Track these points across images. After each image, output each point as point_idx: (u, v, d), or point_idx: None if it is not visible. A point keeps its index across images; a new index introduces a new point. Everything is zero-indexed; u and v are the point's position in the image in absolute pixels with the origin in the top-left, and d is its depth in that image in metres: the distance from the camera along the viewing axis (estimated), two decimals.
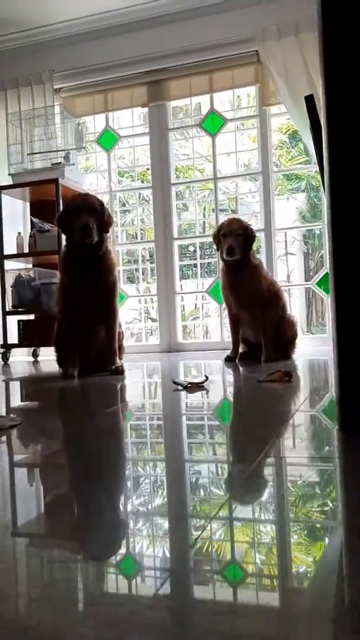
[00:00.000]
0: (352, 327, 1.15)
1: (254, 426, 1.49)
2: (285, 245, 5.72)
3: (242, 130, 5.05)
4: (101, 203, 3.01)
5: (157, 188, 5.07)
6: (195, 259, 5.31)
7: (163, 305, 5.06)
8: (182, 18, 4.73)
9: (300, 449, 1.19)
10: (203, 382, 2.19)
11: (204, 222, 5.64)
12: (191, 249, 5.96)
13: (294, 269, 7.12)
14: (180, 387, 2.17)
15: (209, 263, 5.37)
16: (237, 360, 3.54)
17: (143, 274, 5.66)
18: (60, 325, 3.07)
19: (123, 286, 5.45)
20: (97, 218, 2.91)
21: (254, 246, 3.52)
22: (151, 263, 5.31)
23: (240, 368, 3.34)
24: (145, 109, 5.08)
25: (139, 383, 2.80)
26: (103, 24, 4.89)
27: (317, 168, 3.60)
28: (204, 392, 2.13)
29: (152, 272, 5.43)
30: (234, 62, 4.75)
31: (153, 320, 5.39)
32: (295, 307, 6.61)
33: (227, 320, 4.19)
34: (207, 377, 2.26)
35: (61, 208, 4.37)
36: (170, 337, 5.02)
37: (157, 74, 4.91)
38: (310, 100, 2.22)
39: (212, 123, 4.92)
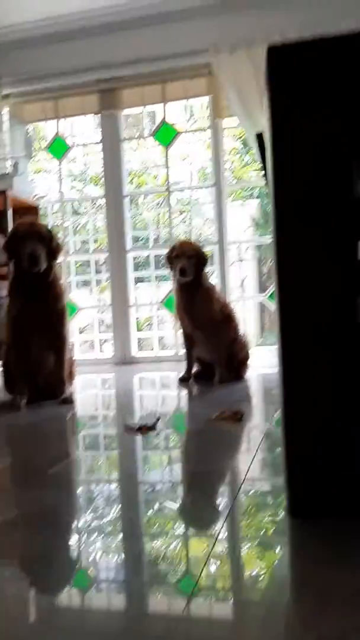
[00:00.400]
0: (301, 413, 1.15)
1: (199, 510, 1.46)
2: (239, 252, 5.75)
3: (195, 140, 5.02)
4: (48, 230, 2.94)
5: (109, 198, 4.99)
6: (149, 269, 5.25)
7: (117, 317, 5.00)
8: (135, 26, 4.65)
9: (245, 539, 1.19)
10: (155, 424, 2.16)
11: (158, 233, 5.59)
12: (145, 254, 5.90)
13: (247, 275, 7.19)
14: (132, 431, 2.14)
15: (163, 276, 5.33)
16: (191, 380, 3.53)
17: (97, 282, 5.59)
18: (8, 351, 2.99)
19: (76, 291, 5.35)
20: (45, 245, 2.84)
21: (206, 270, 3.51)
22: (106, 272, 5.23)
23: (194, 389, 3.35)
24: (98, 116, 4.99)
25: (87, 417, 2.76)
26: (54, 29, 4.74)
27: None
28: (155, 433, 2.11)
29: (106, 279, 5.34)
30: (187, 73, 4.71)
31: (107, 328, 5.31)
32: (249, 316, 6.67)
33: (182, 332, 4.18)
34: (158, 418, 2.23)
35: (10, 219, 4.28)
36: (124, 349, 4.97)
37: (109, 82, 4.82)
38: (261, 138, 2.21)
39: (166, 134, 4.87)
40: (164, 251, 5.12)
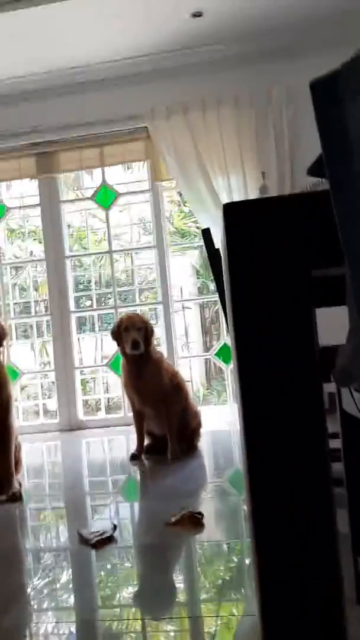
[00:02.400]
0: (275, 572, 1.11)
1: None
2: (181, 298, 5.79)
3: (136, 199, 5.03)
4: None
5: (50, 260, 4.89)
6: (94, 329, 5.18)
7: (61, 381, 4.87)
8: (72, 91, 4.64)
9: None
10: (111, 536, 2.07)
11: (100, 293, 5.53)
12: (87, 303, 5.81)
13: (190, 322, 7.23)
14: (88, 542, 2.04)
15: (106, 336, 5.27)
16: (143, 457, 3.45)
17: (41, 345, 5.44)
18: None
19: (17, 355, 5.19)
20: None
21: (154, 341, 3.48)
22: (48, 333, 5.09)
23: (146, 469, 3.27)
24: (35, 181, 4.92)
25: (40, 520, 2.63)
26: None
27: None
28: (111, 543, 2.03)
29: (49, 344, 5.19)
30: (124, 137, 4.73)
31: (52, 386, 5.15)
32: (195, 366, 6.67)
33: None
34: (115, 527, 2.14)
35: None
36: (69, 414, 4.83)
37: (46, 145, 4.77)
38: (206, 233, 2.22)
39: (105, 196, 4.86)
40: (108, 309, 5.14)
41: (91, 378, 6.21)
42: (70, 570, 1.94)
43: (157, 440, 3.53)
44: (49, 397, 5.15)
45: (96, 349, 5.16)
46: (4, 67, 4.34)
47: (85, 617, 1.58)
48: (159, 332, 4.67)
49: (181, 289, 6.96)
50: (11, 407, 2.85)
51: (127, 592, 1.75)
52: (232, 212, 1.19)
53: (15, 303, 5.44)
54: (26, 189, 5.13)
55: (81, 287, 5.70)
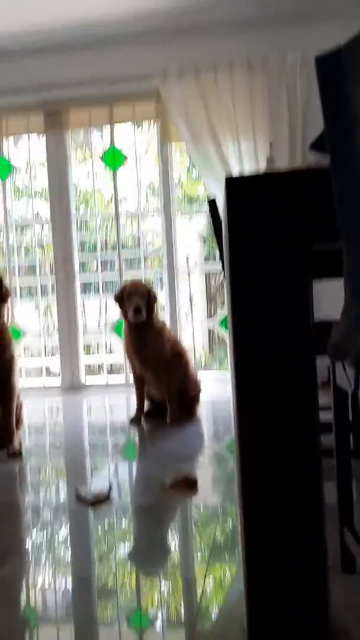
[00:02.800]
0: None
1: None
2: (187, 266, 5.77)
3: (144, 161, 4.97)
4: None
5: (56, 222, 4.87)
6: (98, 292, 5.18)
7: (65, 342, 4.91)
8: (83, 47, 4.54)
9: None
10: (108, 496, 2.13)
11: (106, 257, 5.52)
12: (93, 267, 5.81)
13: (195, 290, 7.21)
14: (85, 501, 2.10)
15: (111, 301, 5.26)
16: (142, 421, 3.50)
17: (45, 306, 5.46)
18: None
19: (21, 306, 5.21)
20: None
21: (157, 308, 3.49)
22: (53, 294, 5.11)
23: (145, 432, 3.33)
24: (43, 137, 4.85)
25: (39, 476, 2.70)
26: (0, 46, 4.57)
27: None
28: (108, 502, 2.08)
29: (54, 305, 5.22)
30: (134, 97, 4.64)
31: (53, 355, 5.20)
32: (197, 333, 6.69)
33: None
34: (111, 486, 2.20)
35: None
36: (72, 375, 4.89)
37: (55, 103, 4.69)
38: (212, 204, 2.20)
39: (113, 158, 4.80)
40: (113, 274, 5.13)
41: (95, 342, 6.25)
42: (67, 526, 2.00)
43: (157, 405, 3.58)
44: (52, 355, 5.19)
45: (100, 313, 5.17)
46: (14, 21, 4.23)
47: (80, 572, 1.64)
48: (163, 298, 4.68)
49: (187, 257, 6.93)
50: (14, 367, 2.88)
51: (122, 550, 1.81)
52: (233, 186, 1.18)
53: (20, 265, 5.44)
54: (33, 147, 5.06)
55: (87, 250, 5.67)
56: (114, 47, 4.51)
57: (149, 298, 3.34)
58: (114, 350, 5.50)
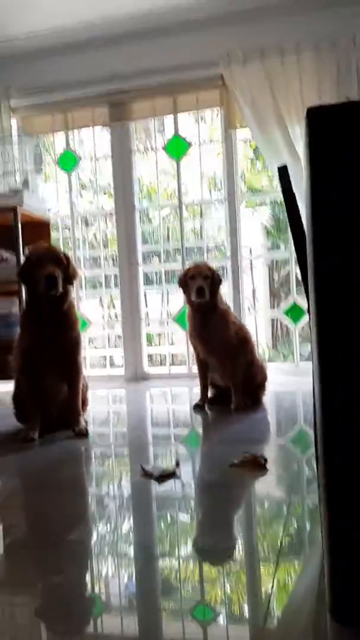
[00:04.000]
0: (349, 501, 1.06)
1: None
2: (250, 261, 5.66)
3: (208, 152, 4.91)
4: (65, 254, 2.85)
5: (120, 212, 4.90)
6: (160, 284, 5.18)
7: (128, 332, 4.93)
8: (146, 38, 4.56)
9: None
10: (174, 472, 2.08)
11: (169, 247, 5.50)
12: (155, 260, 5.82)
13: (259, 284, 7.09)
14: (150, 476, 2.06)
15: (173, 290, 5.24)
16: (206, 407, 3.44)
17: (109, 298, 5.50)
18: (19, 382, 2.91)
19: (86, 308, 5.28)
20: (62, 269, 2.75)
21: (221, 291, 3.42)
22: (116, 286, 5.14)
23: (210, 418, 3.26)
24: (107, 129, 4.90)
25: (104, 453, 2.68)
26: (63, 40, 4.65)
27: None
28: (175, 480, 2.03)
29: (117, 296, 5.26)
30: (198, 85, 4.60)
31: (119, 340, 5.24)
32: (260, 328, 6.57)
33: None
34: (178, 462, 2.15)
35: (20, 237, 4.19)
36: (135, 365, 4.90)
37: (119, 94, 4.72)
38: (282, 171, 2.12)
39: (177, 147, 4.78)
40: (175, 264, 5.11)
41: (157, 335, 6.25)
42: (131, 498, 1.96)
43: (221, 392, 3.51)
44: (115, 346, 5.23)
45: (162, 305, 5.17)
46: (77, 15, 4.29)
47: (143, 543, 1.59)
48: (226, 290, 4.61)
49: (250, 249, 6.83)
50: (80, 346, 2.89)
51: (186, 525, 1.75)
52: (317, 117, 1.10)
53: (85, 257, 5.51)
54: (98, 140, 5.12)
55: (150, 242, 5.69)
56: (177, 35, 4.50)
57: (213, 279, 3.27)
58: (176, 341, 5.47)
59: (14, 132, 4.66)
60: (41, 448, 2.65)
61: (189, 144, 4.79)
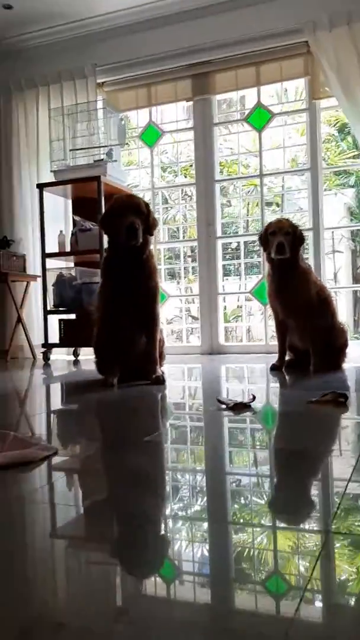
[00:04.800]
0: None
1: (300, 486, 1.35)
2: (332, 242, 5.49)
3: (289, 125, 4.83)
4: (146, 204, 2.88)
5: (200, 185, 4.92)
6: (239, 257, 5.15)
7: (205, 306, 4.93)
8: (228, 8, 4.56)
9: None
10: (250, 402, 2.05)
11: (247, 221, 5.45)
12: (234, 245, 5.79)
13: (341, 267, 6.87)
14: (224, 407, 2.04)
15: (252, 263, 5.22)
16: (283, 369, 3.37)
17: (185, 272, 5.54)
18: (100, 331, 2.98)
19: (164, 284, 5.34)
20: (143, 220, 2.79)
21: (302, 249, 3.34)
22: (193, 261, 5.18)
23: (287, 377, 3.19)
24: (190, 103, 4.93)
25: (179, 396, 2.69)
26: (146, 15, 4.75)
27: None
28: (251, 413, 2.00)
29: (194, 270, 5.30)
30: (282, 54, 4.54)
31: (194, 319, 5.26)
32: (342, 307, 6.37)
33: (271, 322, 4.03)
34: (254, 397, 2.12)
35: (103, 206, 4.29)
36: (211, 339, 4.89)
37: (202, 66, 4.75)
38: None
39: (259, 117, 4.73)
40: (253, 238, 5.06)
41: (233, 315, 6.23)
42: (204, 426, 1.95)
43: (299, 357, 3.43)
44: (192, 320, 5.25)
45: (240, 280, 5.13)
46: None
47: (216, 476, 1.57)
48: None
49: (332, 232, 6.65)
50: (157, 296, 2.92)
51: (261, 457, 1.71)
52: None
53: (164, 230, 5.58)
54: (180, 114, 5.16)
55: (229, 216, 5.67)
56: (260, 3, 4.46)
57: (295, 236, 3.20)
58: (252, 314, 5.42)
59: (99, 107, 4.80)
60: (120, 391, 2.70)
61: (271, 114, 4.73)
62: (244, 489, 1.25)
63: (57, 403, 2.65)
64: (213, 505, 1.15)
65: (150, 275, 2.87)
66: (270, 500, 1.17)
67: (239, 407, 2.01)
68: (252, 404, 2.07)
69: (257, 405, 2.10)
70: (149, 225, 2.85)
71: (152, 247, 2.95)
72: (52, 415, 2.28)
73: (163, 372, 2.95)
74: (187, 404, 2.44)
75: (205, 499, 1.20)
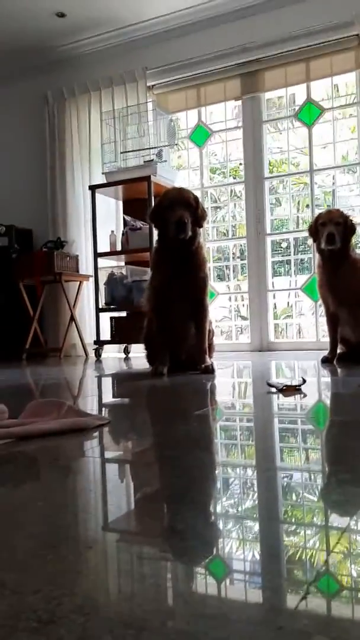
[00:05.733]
0: None
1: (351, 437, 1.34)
2: None
3: (340, 120, 4.77)
4: (195, 197, 2.92)
5: (249, 182, 4.93)
6: (289, 255, 5.12)
7: (254, 303, 4.92)
8: (275, 6, 4.57)
9: None
10: (300, 385, 2.04)
11: (297, 217, 5.41)
12: (284, 245, 5.76)
13: None
14: (274, 390, 2.04)
15: (302, 260, 5.17)
16: (334, 362, 3.33)
17: (234, 271, 5.54)
18: (150, 322, 3.03)
19: (213, 283, 5.37)
20: (192, 212, 2.83)
21: (354, 240, 3.29)
22: (242, 260, 5.18)
23: (339, 370, 3.14)
24: (238, 102, 4.96)
25: (229, 383, 2.69)
26: (194, 17, 4.82)
27: None
28: (301, 395, 1.99)
29: (242, 269, 5.30)
30: (332, 48, 4.51)
31: (243, 318, 5.26)
32: None
33: (322, 319, 3.99)
34: (304, 380, 2.11)
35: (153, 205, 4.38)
36: (261, 336, 4.87)
37: (250, 65, 4.77)
38: None
39: (309, 113, 4.71)
40: (304, 234, 5.00)
41: (283, 315, 6.18)
42: (253, 407, 1.95)
43: (351, 349, 3.38)
44: (242, 319, 5.25)
45: (290, 275, 5.09)
46: None
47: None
48: None
49: None
50: (207, 287, 2.94)
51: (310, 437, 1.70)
52: None
53: (212, 229, 5.60)
54: (229, 114, 5.19)
55: (277, 212, 5.63)
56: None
57: (345, 226, 3.16)
58: (303, 313, 5.36)
59: (150, 109, 4.89)
60: (169, 379, 2.74)
61: (321, 109, 4.70)
62: (290, 443, 1.25)
63: (108, 389, 2.71)
64: (259, 455, 1.15)
65: (199, 266, 2.89)
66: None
67: (289, 390, 2.00)
68: (302, 387, 2.06)
69: (307, 388, 2.08)
70: (198, 218, 2.88)
71: (201, 238, 2.97)
72: (103, 397, 2.33)
73: (212, 362, 2.96)
74: (237, 389, 2.45)
75: (252, 449, 1.20)
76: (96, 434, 1.42)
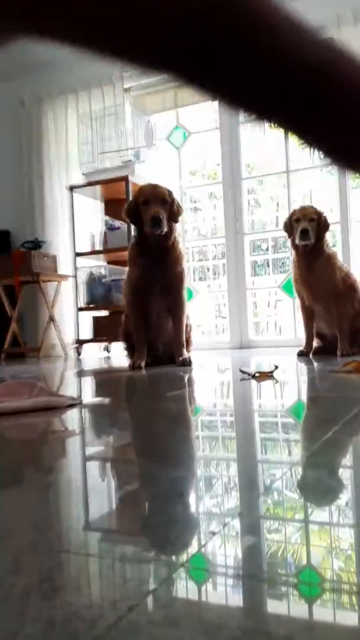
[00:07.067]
0: None
1: (325, 411, 1.38)
2: None
3: None
4: (170, 193, 2.96)
5: (227, 183, 4.99)
6: (267, 253, 5.19)
7: (233, 301, 4.97)
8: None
9: None
10: (272, 372, 2.09)
11: (277, 218, 5.49)
12: (264, 246, 5.82)
13: None
14: (247, 376, 2.08)
15: (281, 259, 5.24)
16: (310, 355, 3.39)
17: (214, 272, 5.60)
18: (128, 317, 3.06)
19: (194, 283, 5.41)
20: (167, 208, 2.87)
21: (328, 237, 3.36)
22: (222, 259, 5.24)
23: (314, 362, 3.20)
24: (216, 103, 5.02)
25: (205, 372, 2.73)
26: None
27: None
28: (273, 381, 2.03)
29: (223, 268, 5.35)
30: None
31: (224, 317, 5.31)
32: None
33: (300, 316, 4.04)
34: (276, 367, 2.15)
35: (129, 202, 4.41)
36: (240, 333, 4.92)
37: None
38: None
39: None
40: (280, 233, 5.07)
41: (263, 302, 6.24)
42: (232, 392, 1.99)
43: (326, 343, 3.44)
44: (222, 319, 5.30)
45: (268, 272, 5.15)
46: None
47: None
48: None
49: None
50: (183, 281, 2.99)
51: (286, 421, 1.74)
52: None
53: (191, 228, 5.66)
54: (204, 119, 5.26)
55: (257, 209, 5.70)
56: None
57: (319, 223, 3.23)
58: (282, 311, 5.43)
59: (127, 111, 4.93)
60: (147, 371, 2.77)
61: None
62: (267, 422, 1.29)
63: (87, 380, 2.72)
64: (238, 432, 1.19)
65: (176, 260, 2.94)
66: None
67: (262, 376, 2.04)
68: (274, 373, 2.10)
69: (279, 375, 2.13)
70: (174, 213, 2.93)
71: (177, 234, 3.01)
72: (81, 385, 2.35)
73: (190, 356, 3.00)
74: (212, 378, 2.49)
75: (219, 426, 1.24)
76: (68, 412, 1.44)
